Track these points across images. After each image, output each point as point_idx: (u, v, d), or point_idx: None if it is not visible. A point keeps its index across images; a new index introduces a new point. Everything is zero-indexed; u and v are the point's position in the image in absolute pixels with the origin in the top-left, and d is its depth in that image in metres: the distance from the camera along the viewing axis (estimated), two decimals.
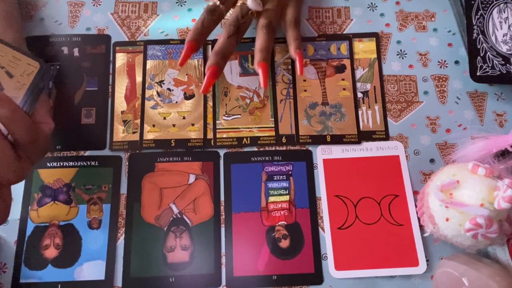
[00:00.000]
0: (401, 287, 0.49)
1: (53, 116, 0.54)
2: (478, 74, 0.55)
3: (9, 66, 0.39)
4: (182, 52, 0.51)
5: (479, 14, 0.56)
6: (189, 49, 0.50)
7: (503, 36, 0.55)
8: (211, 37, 0.58)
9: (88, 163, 0.53)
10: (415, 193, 0.53)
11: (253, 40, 0.58)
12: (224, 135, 0.54)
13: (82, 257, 0.49)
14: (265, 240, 0.50)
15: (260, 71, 0.50)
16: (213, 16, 0.52)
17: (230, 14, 0.53)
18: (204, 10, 0.52)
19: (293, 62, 0.58)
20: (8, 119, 0.37)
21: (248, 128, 0.55)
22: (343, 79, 0.57)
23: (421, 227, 0.51)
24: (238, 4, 0.53)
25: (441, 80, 0.58)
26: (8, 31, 0.48)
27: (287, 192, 0.53)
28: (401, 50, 0.59)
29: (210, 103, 0.56)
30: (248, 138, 0.54)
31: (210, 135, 0.55)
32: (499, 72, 0.54)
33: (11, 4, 0.53)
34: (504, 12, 0.56)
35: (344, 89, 0.57)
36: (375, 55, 0.58)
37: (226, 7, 0.53)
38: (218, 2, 0.52)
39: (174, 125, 0.55)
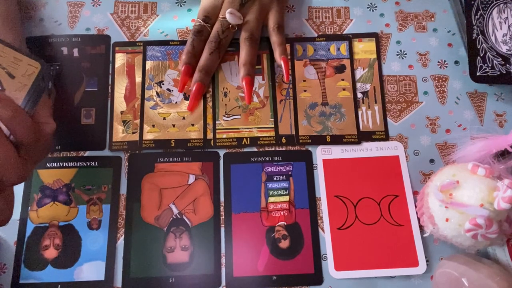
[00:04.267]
0: None
1: (53, 116, 0.54)
2: (478, 74, 0.55)
3: (10, 67, 0.39)
4: (180, 78, 0.54)
5: (479, 14, 0.56)
6: (185, 72, 0.54)
7: (503, 36, 0.55)
8: None
9: (88, 163, 0.53)
10: (415, 193, 0.53)
11: None
12: (224, 136, 0.54)
13: (82, 257, 0.49)
14: (265, 241, 0.50)
15: (244, 86, 0.53)
16: (201, 37, 0.54)
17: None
18: (191, 32, 0.54)
19: (293, 63, 0.58)
20: (10, 119, 0.37)
21: (248, 128, 0.55)
22: (343, 79, 0.57)
23: (421, 227, 0.51)
24: (219, 19, 0.54)
25: (441, 80, 0.58)
26: (7, 32, 0.48)
27: (287, 192, 0.53)
28: (401, 50, 0.59)
29: (210, 104, 0.56)
30: (248, 139, 0.54)
31: (210, 135, 0.55)
32: (499, 72, 0.54)
33: (11, 5, 0.52)
34: (504, 12, 0.56)
35: (344, 89, 0.57)
36: (375, 55, 0.58)
37: (211, 25, 0.55)
38: (203, 22, 0.54)
39: (173, 125, 0.55)
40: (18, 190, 0.51)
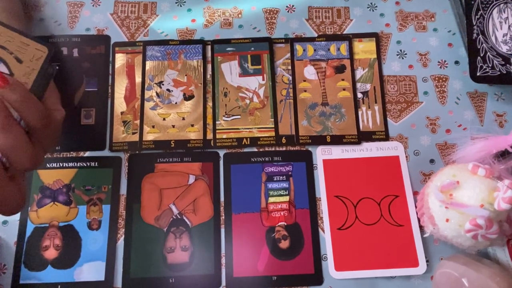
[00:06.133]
0: None
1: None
2: (478, 74, 0.55)
3: (17, 52, 0.39)
4: None
5: (479, 14, 0.56)
6: None
7: (503, 36, 0.55)
8: (211, 37, 0.59)
9: (88, 164, 0.53)
10: (415, 193, 0.53)
11: (253, 40, 0.58)
12: (224, 136, 0.54)
13: (82, 258, 0.49)
14: (265, 241, 0.50)
15: None
16: None
17: None
18: None
19: (293, 63, 0.58)
20: (20, 104, 0.37)
21: (248, 128, 0.55)
22: (343, 80, 0.57)
23: (421, 227, 0.51)
24: None
25: (441, 80, 0.58)
26: (12, 22, 0.48)
27: (287, 192, 0.53)
28: (401, 50, 0.59)
29: (209, 104, 0.56)
30: (248, 139, 0.54)
31: (209, 135, 0.55)
32: (499, 72, 0.54)
33: (15, 1, 0.53)
34: (504, 12, 0.56)
35: (344, 89, 0.57)
36: (375, 55, 0.58)
37: None
38: None
39: (173, 126, 0.55)
40: None
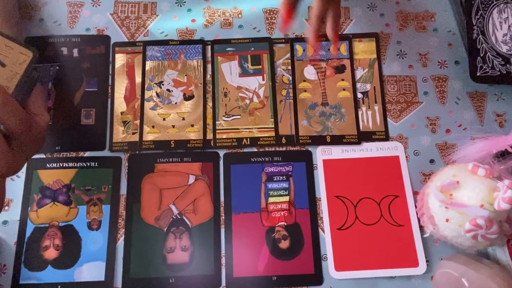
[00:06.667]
0: None
1: (52, 117, 0.54)
2: (478, 74, 0.55)
3: (1, 55, 0.38)
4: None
5: (479, 14, 0.56)
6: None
7: (503, 36, 0.55)
8: (211, 37, 0.59)
9: (88, 164, 0.53)
10: (415, 193, 0.53)
11: (253, 40, 0.58)
12: (224, 136, 0.54)
13: (82, 258, 0.49)
14: (265, 241, 0.50)
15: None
16: None
17: None
18: None
19: (293, 63, 0.58)
20: (0, 108, 0.36)
21: (248, 128, 0.55)
22: (343, 80, 0.57)
23: (421, 227, 0.51)
24: None
25: (441, 81, 0.58)
26: (3, 26, 0.48)
27: (287, 192, 0.53)
28: (401, 50, 0.59)
29: (209, 104, 0.56)
30: (248, 139, 0.54)
31: (209, 135, 0.55)
32: (499, 73, 0.54)
33: (10, 3, 0.52)
34: (504, 12, 0.56)
35: (344, 89, 0.57)
36: (375, 55, 0.58)
37: None
38: None
39: (173, 126, 0.55)
40: (19, 190, 0.52)
